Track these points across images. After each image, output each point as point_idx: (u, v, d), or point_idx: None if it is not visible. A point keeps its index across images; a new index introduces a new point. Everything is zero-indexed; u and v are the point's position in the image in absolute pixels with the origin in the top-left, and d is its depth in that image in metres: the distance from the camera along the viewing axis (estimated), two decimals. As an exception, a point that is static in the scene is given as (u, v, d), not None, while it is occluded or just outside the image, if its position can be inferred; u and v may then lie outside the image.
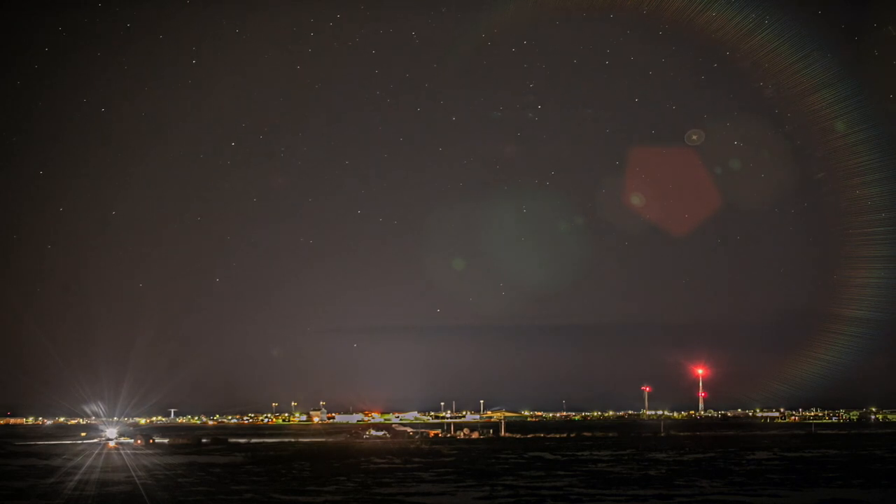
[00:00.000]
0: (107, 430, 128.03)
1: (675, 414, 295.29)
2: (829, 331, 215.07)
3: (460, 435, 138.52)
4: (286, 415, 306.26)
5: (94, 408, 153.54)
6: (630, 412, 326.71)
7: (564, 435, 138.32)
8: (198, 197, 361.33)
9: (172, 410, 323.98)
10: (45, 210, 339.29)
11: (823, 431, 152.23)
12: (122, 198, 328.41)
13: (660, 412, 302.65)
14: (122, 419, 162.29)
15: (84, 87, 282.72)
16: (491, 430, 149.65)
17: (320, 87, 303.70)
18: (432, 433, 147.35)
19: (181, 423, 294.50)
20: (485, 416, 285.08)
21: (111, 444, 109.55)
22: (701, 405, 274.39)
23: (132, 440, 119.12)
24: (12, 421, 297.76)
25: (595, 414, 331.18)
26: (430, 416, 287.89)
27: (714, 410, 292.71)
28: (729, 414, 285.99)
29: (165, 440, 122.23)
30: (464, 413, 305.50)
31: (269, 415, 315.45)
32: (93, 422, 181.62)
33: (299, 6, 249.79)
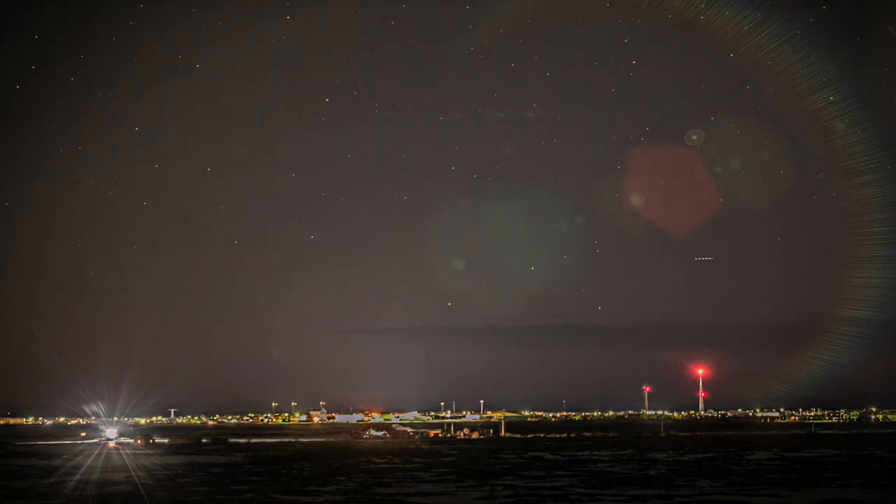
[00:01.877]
0: (107, 430, 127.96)
1: (675, 414, 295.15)
2: (829, 331, 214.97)
3: (460, 435, 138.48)
4: (286, 415, 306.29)
5: (94, 408, 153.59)
6: (630, 412, 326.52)
7: (564, 435, 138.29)
8: (199, 196, 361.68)
9: (172, 410, 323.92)
10: (45, 210, 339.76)
11: (823, 431, 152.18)
12: (121, 197, 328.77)
13: (660, 412, 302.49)
14: (122, 419, 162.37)
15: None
16: (491, 430, 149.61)
17: (318, 83, 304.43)
18: (432, 433, 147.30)
19: (181, 423, 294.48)
20: (485, 416, 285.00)
21: (111, 444, 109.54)
22: (701, 405, 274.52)
23: (132, 440, 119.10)
24: (12, 421, 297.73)
25: (595, 414, 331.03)
26: (430, 416, 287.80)
27: (714, 410, 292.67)
28: (729, 414, 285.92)
29: (165, 440, 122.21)
30: (464, 413, 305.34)
31: (269, 415, 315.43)
32: (93, 422, 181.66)
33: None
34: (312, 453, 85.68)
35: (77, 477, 55.74)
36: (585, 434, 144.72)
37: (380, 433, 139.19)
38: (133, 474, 57.31)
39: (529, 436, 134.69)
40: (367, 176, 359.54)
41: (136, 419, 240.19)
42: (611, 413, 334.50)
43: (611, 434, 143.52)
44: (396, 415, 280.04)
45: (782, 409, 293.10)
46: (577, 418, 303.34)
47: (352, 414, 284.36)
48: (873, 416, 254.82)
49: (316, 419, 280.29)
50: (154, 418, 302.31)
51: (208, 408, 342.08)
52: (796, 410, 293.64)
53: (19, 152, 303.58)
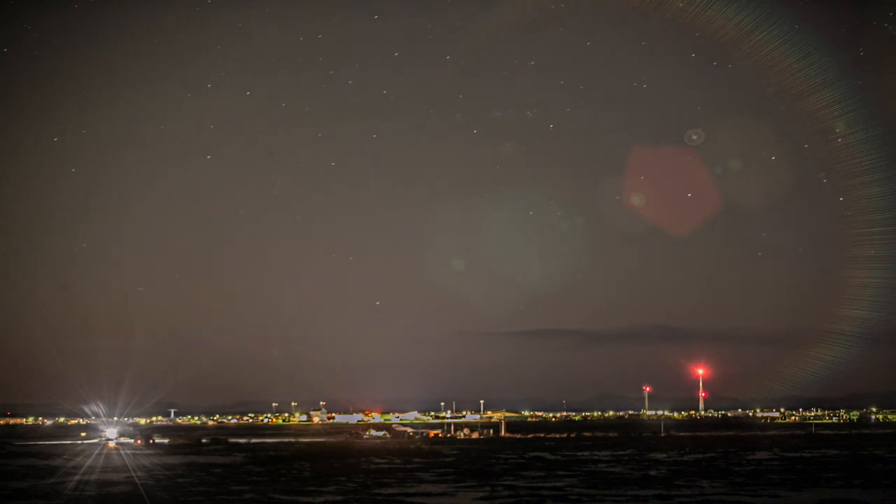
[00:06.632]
0: (107, 430, 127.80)
1: (675, 414, 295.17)
2: (829, 330, 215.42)
3: (460, 435, 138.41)
4: (286, 415, 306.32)
5: (94, 408, 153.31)
6: (630, 412, 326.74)
7: (565, 435, 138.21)
8: (199, 197, 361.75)
9: (172, 410, 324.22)
10: (44, 210, 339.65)
11: (823, 431, 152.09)
12: (122, 198, 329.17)
13: (660, 412, 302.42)
14: (122, 419, 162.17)
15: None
16: (491, 430, 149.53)
17: (319, 83, 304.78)
18: (432, 433, 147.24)
19: (181, 423, 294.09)
20: (485, 416, 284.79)
21: (111, 444, 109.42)
22: (701, 405, 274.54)
23: (132, 440, 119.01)
24: (12, 421, 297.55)
25: (595, 414, 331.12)
26: (431, 416, 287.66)
27: (714, 410, 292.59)
28: (729, 414, 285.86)
29: (165, 440, 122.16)
30: (464, 413, 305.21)
31: (269, 415, 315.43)
32: (93, 422, 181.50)
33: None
34: (312, 453, 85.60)
35: (77, 477, 55.70)
36: (585, 434, 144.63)
37: (380, 433, 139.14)
38: (133, 474, 57.27)
39: (529, 436, 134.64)
40: (367, 176, 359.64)
41: (136, 419, 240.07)
42: (611, 413, 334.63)
43: (611, 434, 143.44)
44: (396, 415, 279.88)
45: (782, 409, 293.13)
46: (577, 418, 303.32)
47: (352, 414, 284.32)
48: (873, 416, 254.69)
49: (316, 419, 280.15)
50: (154, 418, 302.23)
51: (208, 408, 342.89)
52: (796, 410, 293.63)
53: (15, 150, 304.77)
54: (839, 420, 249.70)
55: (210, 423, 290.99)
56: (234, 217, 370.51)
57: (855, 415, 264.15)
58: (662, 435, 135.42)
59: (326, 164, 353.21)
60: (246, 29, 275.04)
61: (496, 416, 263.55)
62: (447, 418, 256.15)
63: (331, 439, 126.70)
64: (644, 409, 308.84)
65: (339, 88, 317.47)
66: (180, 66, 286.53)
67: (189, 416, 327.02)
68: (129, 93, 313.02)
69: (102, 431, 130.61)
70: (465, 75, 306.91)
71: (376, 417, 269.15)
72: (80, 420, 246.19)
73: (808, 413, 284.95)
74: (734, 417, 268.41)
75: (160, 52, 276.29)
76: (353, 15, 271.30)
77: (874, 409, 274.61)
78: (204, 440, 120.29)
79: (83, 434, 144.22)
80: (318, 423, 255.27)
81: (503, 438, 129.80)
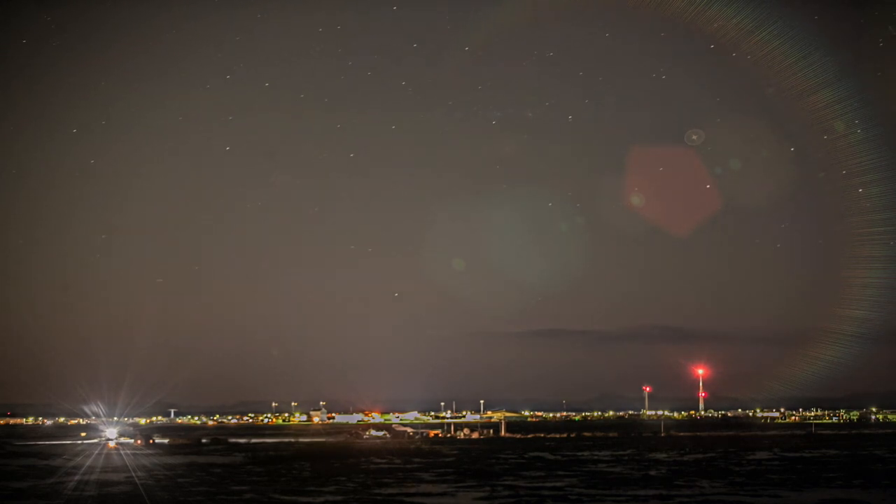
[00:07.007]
0: (107, 430, 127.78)
1: (675, 414, 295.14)
2: (829, 330, 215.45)
3: (461, 435, 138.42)
4: (286, 415, 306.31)
5: (94, 408, 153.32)
6: (630, 412, 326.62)
7: (565, 435, 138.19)
8: (199, 198, 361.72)
9: (172, 410, 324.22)
10: (45, 211, 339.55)
11: (823, 431, 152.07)
12: (123, 198, 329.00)
13: (660, 412, 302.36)
14: (122, 419, 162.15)
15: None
16: (491, 430, 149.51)
17: (338, 74, 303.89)
18: (432, 433, 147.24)
19: (181, 423, 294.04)
20: (485, 416, 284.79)
21: (111, 444, 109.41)
22: (701, 405, 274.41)
23: (132, 440, 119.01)
24: (12, 421, 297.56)
25: (595, 414, 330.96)
26: (431, 416, 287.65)
27: (714, 410, 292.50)
28: (729, 414, 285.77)
29: (165, 440, 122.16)
30: (464, 413, 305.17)
31: (269, 415, 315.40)
32: (93, 422, 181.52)
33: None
34: (312, 453, 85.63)
35: (77, 477, 55.71)
36: (585, 434, 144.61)
37: (380, 433, 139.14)
38: (133, 474, 57.27)
39: (529, 436, 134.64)
40: (367, 176, 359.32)
41: (136, 419, 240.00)
42: (611, 413, 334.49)
43: (611, 434, 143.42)
44: (396, 415, 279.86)
45: (782, 409, 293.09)
46: (577, 418, 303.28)
47: (352, 414, 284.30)
48: (873, 416, 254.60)
49: (316, 419, 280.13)
50: (154, 418, 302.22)
51: (208, 408, 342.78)
52: (796, 410, 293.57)
53: (27, 144, 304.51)
54: (839, 420, 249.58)
55: (210, 423, 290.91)
56: (233, 219, 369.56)
57: (855, 415, 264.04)
58: (662, 435, 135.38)
59: (324, 167, 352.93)
60: (264, 20, 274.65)
61: (496, 416, 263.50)
62: (447, 418, 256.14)
63: (331, 439, 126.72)
64: (644, 409, 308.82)
65: (358, 79, 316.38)
66: (198, 57, 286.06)
67: (189, 416, 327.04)
68: (148, 84, 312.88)
69: (102, 431, 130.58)
70: (465, 75, 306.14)
71: (376, 417, 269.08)
72: (80, 420, 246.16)
73: (808, 413, 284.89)
74: (734, 417, 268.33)
75: (179, 43, 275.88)
76: (372, 6, 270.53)
77: (874, 409, 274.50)
78: (204, 440, 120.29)
79: (83, 434, 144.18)
80: (318, 423, 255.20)
81: (503, 438, 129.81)
